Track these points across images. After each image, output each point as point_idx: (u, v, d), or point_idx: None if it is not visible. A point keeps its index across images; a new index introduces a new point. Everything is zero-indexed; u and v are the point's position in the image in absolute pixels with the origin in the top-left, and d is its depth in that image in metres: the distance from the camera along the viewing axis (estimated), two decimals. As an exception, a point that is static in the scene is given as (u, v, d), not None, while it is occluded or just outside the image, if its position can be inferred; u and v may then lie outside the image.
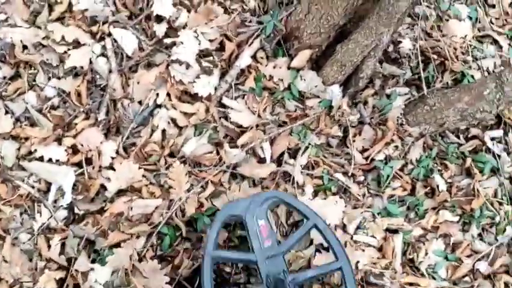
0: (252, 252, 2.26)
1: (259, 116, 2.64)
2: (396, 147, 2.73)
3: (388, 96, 2.81)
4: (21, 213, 2.41)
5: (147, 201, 2.43)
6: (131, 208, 2.40)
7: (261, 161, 2.60)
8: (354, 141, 2.71)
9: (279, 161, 2.64)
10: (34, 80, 2.61)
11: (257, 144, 2.58)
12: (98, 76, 2.65)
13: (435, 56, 3.01)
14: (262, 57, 2.73)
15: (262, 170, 2.56)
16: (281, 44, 2.77)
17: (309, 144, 2.65)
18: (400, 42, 3.01)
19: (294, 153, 2.67)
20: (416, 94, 2.88)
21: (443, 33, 3.13)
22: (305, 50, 2.70)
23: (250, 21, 2.77)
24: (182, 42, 2.64)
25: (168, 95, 2.62)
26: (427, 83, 2.87)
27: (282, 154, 2.64)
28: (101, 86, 2.64)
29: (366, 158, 2.72)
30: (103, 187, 2.46)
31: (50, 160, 2.46)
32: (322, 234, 2.32)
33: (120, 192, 2.46)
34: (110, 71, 2.64)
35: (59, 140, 2.51)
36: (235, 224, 2.51)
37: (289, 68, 2.72)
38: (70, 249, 2.36)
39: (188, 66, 2.60)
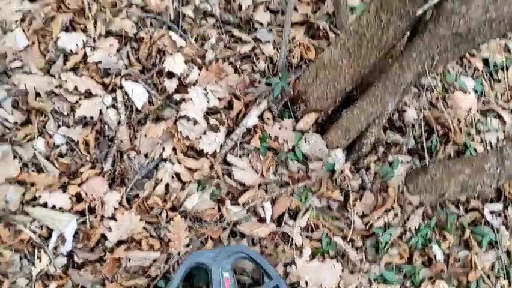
0: None
1: (262, 175, 2.70)
2: (396, 214, 2.79)
3: (390, 163, 2.88)
4: (21, 258, 2.44)
5: (145, 254, 2.48)
6: (129, 259, 2.43)
7: (261, 220, 2.67)
8: (354, 205, 2.77)
9: (279, 221, 2.71)
10: (44, 127, 2.68)
11: (258, 203, 2.63)
12: (106, 127, 2.73)
13: (439, 127, 3.09)
14: (268, 118, 2.81)
15: (262, 230, 2.61)
16: (288, 106, 2.87)
17: (310, 206, 2.71)
18: (405, 111, 3.09)
19: (294, 214, 2.74)
20: (418, 163, 2.94)
21: (448, 105, 3.20)
22: (311, 113, 2.78)
23: (259, 82, 2.87)
24: (191, 99, 2.73)
25: (174, 149, 2.70)
26: (430, 153, 2.95)
27: (283, 215, 2.71)
28: (109, 136, 2.72)
29: (366, 224, 2.78)
30: (104, 237, 2.52)
31: (53, 207, 2.52)
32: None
33: (120, 243, 2.50)
34: (119, 123, 2.72)
35: (64, 188, 2.57)
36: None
37: (294, 129, 2.80)
38: (67, 297, 2.39)
39: (195, 122, 2.68)
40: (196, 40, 3.03)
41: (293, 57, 3.00)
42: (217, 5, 3.16)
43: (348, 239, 2.72)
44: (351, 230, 2.71)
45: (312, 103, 2.75)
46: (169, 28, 3.01)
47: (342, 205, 2.80)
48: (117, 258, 2.43)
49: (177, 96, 2.77)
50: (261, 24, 3.16)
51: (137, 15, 3.02)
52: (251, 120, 2.77)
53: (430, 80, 3.14)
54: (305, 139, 2.79)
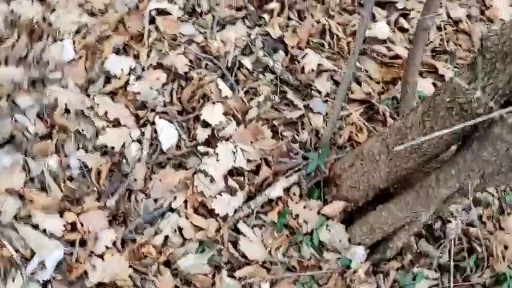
0: None
1: (269, 253, 2.50)
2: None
3: (414, 275, 2.59)
4: (-4, 272, 2.31)
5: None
6: (103, 306, 2.26)
7: (254, 300, 2.42)
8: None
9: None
10: (62, 146, 2.58)
11: (256, 281, 2.43)
12: (125, 161, 2.62)
13: (481, 248, 2.77)
14: (295, 193, 2.61)
15: (251, 312, 2.38)
16: (320, 186, 2.64)
17: (311, 300, 2.46)
18: (449, 221, 2.79)
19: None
20: (445, 283, 2.63)
21: (500, 227, 2.89)
22: (341, 201, 2.54)
23: (296, 154, 2.69)
24: (217, 154, 2.56)
25: (185, 202, 2.54)
26: (462, 274, 2.63)
27: (278, 302, 2.45)
28: (124, 172, 2.59)
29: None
30: (86, 274, 2.34)
31: (44, 231, 2.38)
32: None
33: (100, 285, 2.33)
34: (138, 160, 2.58)
35: (61, 213, 2.44)
36: None
37: (319, 213, 2.55)
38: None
39: (212, 180, 2.49)
40: (246, 93, 2.87)
41: (340, 136, 2.79)
42: (280, 62, 3.00)
43: None
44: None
45: (343, 190, 2.52)
46: (223, 75, 2.88)
47: (345, 308, 2.53)
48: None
49: (203, 148, 2.60)
50: (319, 92, 2.96)
51: (194, 54, 2.90)
52: (276, 191, 2.57)
53: (486, 195, 2.86)
54: (327, 226, 2.55)
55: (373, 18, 3.34)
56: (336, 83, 3.03)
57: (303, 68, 3.00)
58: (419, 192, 2.19)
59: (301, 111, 2.86)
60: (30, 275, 2.32)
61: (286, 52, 3.05)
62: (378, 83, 3.15)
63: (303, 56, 3.03)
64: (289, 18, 3.18)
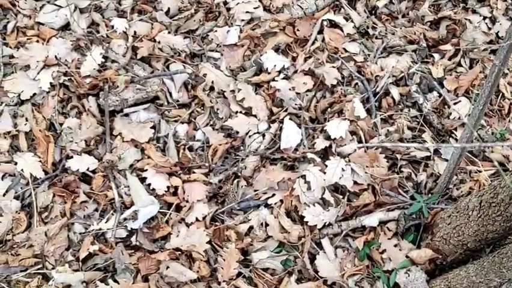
0: None
1: (342, 276, 2.44)
2: None
3: None
4: (95, 209, 2.54)
5: (183, 269, 2.42)
6: (167, 267, 2.40)
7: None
8: None
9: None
10: (195, 118, 2.75)
11: (318, 299, 2.39)
12: (242, 148, 2.77)
13: None
14: (389, 229, 2.56)
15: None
16: (418, 230, 2.54)
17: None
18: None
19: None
20: None
21: None
22: (432, 250, 2.43)
23: (406, 192, 2.61)
24: (326, 166, 2.60)
25: (281, 201, 2.60)
26: None
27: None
28: (238, 157, 2.73)
29: None
30: (169, 236, 2.51)
31: (149, 185, 2.57)
32: None
33: (177, 250, 2.47)
34: (255, 151, 2.71)
35: (170, 175, 2.61)
36: None
37: (407, 256, 2.46)
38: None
39: (309, 188, 2.54)
40: (382, 120, 2.87)
41: (457, 189, 2.66)
42: (431, 102, 2.94)
43: None
44: None
45: (436, 240, 2.43)
46: (367, 98, 2.90)
47: None
48: (158, 260, 2.42)
49: (314, 156, 2.64)
50: (456, 141, 2.85)
51: (348, 71, 2.98)
52: (372, 220, 2.55)
53: None
54: (408, 270, 2.46)
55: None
56: (482, 139, 2.89)
57: (450, 114, 2.92)
58: (495, 259, 2.07)
59: (428, 153, 2.79)
60: (123, 220, 2.54)
61: (440, 95, 2.98)
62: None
63: (456, 103, 2.94)
64: (459, 64, 3.10)
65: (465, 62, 3.14)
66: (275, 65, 2.91)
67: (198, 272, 2.45)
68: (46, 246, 2.44)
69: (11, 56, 2.80)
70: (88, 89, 2.74)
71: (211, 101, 2.82)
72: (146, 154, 2.68)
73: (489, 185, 2.14)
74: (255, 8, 3.07)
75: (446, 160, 2.75)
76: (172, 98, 2.82)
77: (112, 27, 2.94)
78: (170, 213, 2.58)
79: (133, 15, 3.02)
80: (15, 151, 2.63)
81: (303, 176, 2.61)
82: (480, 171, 2.75)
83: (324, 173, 2.61)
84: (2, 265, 2.38)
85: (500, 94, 3.05)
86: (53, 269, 2.41)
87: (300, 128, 2.78)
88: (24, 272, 2.38)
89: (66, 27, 2.93)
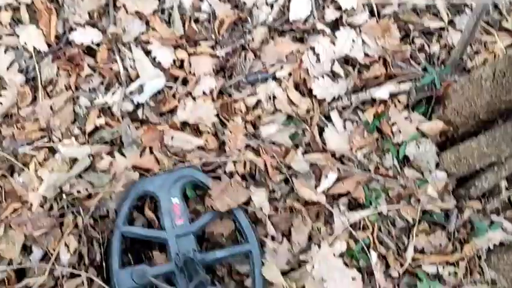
0: (163, 229, 2.24)
1: (351, 149, 2.43)
2: (456, 274, 2.35)
3: (491, 223, 2.40)
4: (101, 82, 2.51)
5: (189, 138, 2.43)
6: (172, 138, 2.41)
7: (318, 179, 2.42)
8: (417, 236, 2.37)
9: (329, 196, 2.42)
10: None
11: (326, 168, 2.37)
12: (250, 20, 2.66)
13: None
14: (400, 101, 2.51)
15: (310, 193, 2.36)
16: (430, 102, 2.50)
17: (374, 206, 2.39)
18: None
19: (351, 203, 2.43)
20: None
21: None
22: (443, 122, 2.39)
23: (418, 63, 2.54)
24: (336, 37, 2.54)
25: (290, 74, 2.55)
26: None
27: (340, 195, 2.41)
28: (245, 29, 2.67)
29: (414, 260, 2.36)
30: (176, 109, 2.49)
31: (154, 58, 2.53)
32: (234, 216, 2.29)
33: (184, 124, 2.45)
34: (264, 22, 2.61)
35: (175, 47, 2.57)
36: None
37: (418, 129, 2.43)
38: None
39: (318, 60, 2.47)
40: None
41: (472, 60, 2.59)
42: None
43: (386, 263, 2.38)
44: (394, 256, 2.35)
45: (448, 112, 2.39)
46: None
47: (405, 228, 2.43)
48: (161, 130, 2.41)
49: (324, 27, 2.55)
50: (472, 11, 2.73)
51: None
52: (382, 92, 2.49)
53: None
54: (418, 142, 2.44)
55: None
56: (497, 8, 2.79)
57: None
58: (507, 129, 2.03)
59: (442, 23, 2.69)
60: (129, 93, 2.51)
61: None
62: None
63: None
64: None
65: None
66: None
67: (205, 145, 2.45)
68: (52, 119, 2.42)
69: None
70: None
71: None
72: (151, 26, 2.61)
73: (504, 54, 2.07)
74: None
75: (461, 31, 2.65)
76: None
77: None
78: (177, 87, 2.54)
79: None
80: (17, 23, 2.57)
81: (312, 48, 2.53)
82: (496, 42, 2.67)
83: (334, 44, 2.55)
84: (9, 138, 2.39)
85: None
86: (59, 142, 2.42)
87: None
88: (30, 145, 2.39)
89: None
